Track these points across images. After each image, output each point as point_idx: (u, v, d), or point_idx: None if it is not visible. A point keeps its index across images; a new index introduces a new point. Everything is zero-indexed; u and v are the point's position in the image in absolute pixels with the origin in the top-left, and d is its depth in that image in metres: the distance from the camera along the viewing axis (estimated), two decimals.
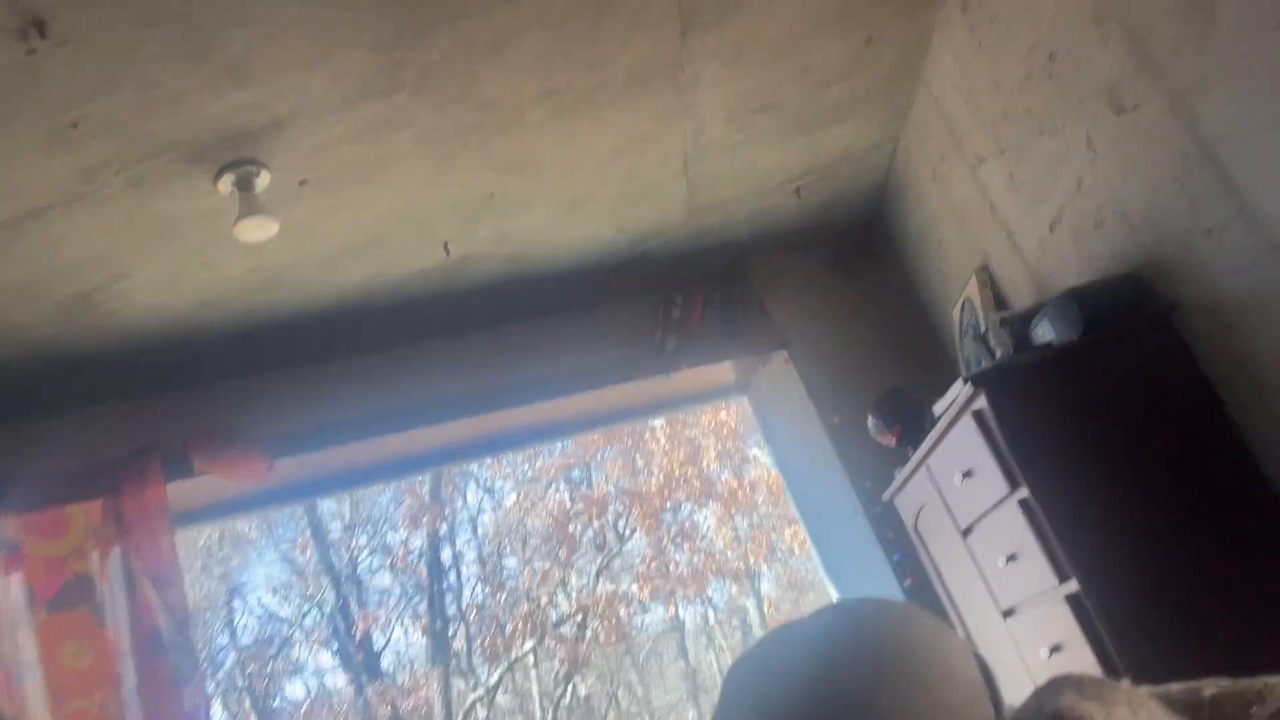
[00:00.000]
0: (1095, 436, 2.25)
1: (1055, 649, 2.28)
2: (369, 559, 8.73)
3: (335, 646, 8.36)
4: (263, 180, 2.41)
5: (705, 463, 8.79)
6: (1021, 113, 2.61)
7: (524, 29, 2.28)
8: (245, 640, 8.41)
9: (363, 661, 8.29)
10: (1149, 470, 2.21)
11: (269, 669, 8.30)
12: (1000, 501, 2.35)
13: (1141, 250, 2.36)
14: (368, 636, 8.40)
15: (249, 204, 2.37)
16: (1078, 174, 2.48)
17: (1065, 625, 2.20)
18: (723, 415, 8.75)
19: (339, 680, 8.46)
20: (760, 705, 0.69)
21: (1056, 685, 0.52)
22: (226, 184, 2.38)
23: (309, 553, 8.38)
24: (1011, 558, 2.39)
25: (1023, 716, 0.51)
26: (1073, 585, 2.15)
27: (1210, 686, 0.82)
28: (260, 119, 2.26)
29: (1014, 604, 2.51)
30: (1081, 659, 2.15)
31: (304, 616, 8.40)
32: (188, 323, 2.93)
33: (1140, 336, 2.33)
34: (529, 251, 3.22)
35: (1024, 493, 2.23)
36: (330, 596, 8.45)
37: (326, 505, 8.46)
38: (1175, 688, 0.85)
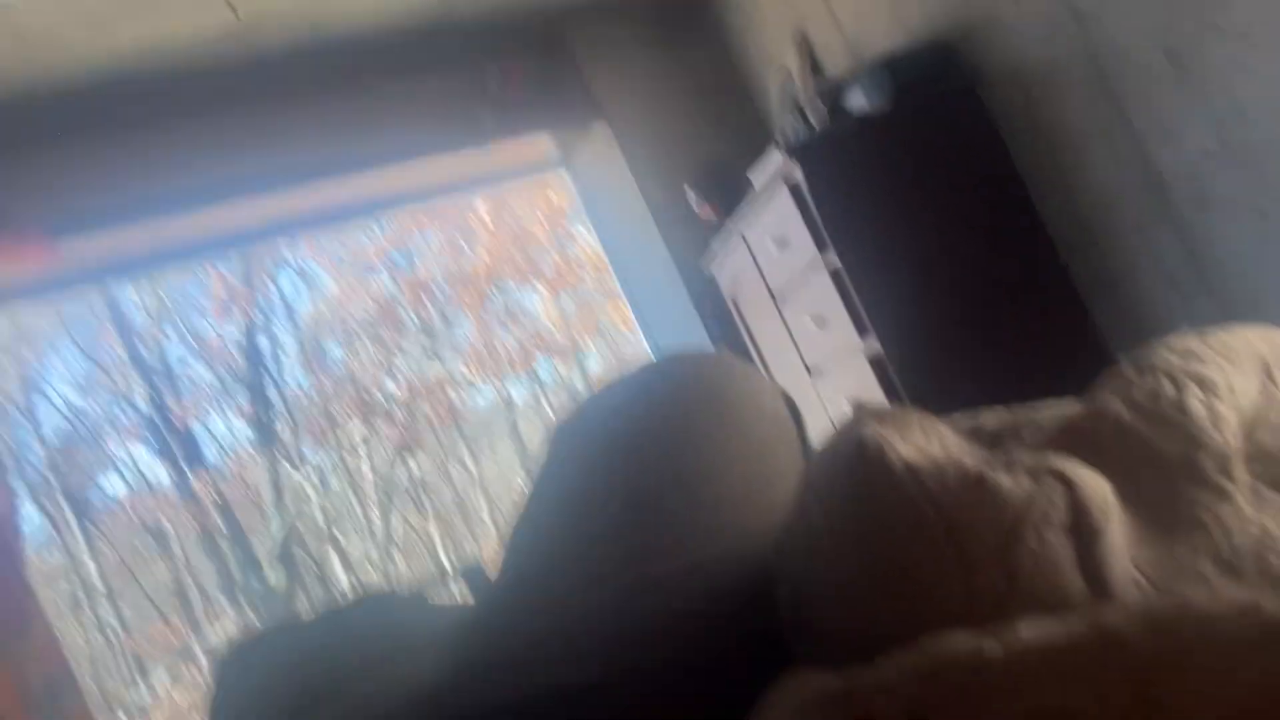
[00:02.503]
0: (901, 204, 2.35)
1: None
2: (180, 350, 8.36)
3: (153, 440, 8.11)
4: None
5: (532, 243, 8.72)
6: None
7: None
8: (53, 439, 8.03)
9: (184, 453, 8.10)
10: (949, 235, 2.35)
11: (81, 464, 8.00)
12: (811, 268, 2.45)
13: (951, 16, 2.39)
14: (187, 428, 8.16)
15: None
16: None
17: (865, 380, 2.37)
18: (549, 193, 8.62)
19: (160, 473, 8.26)
20: (584, 454, 0.71)
21: (857, 417, 0.55)
22: None
23: (114, 345, 7.95)
24: (820, 321, 2.52)
25: (828, 452, 0.54)
26: (873, 343, 2.31)
27: (989, 416, 0.90)
28: None
29: (820, 363, 2.67)
30: None
31: (115, 410, 8.06)
32: None
33: (948, 105, 2.40)
34: (327, 15, 2.95)
35: (832, 259, 2.33)
36: (142, 389, 8.10)
37: (127, 297, 7.97)
38: (958, 417, 0.93)
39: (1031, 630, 0.39)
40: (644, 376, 0.77)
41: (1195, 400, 0.54)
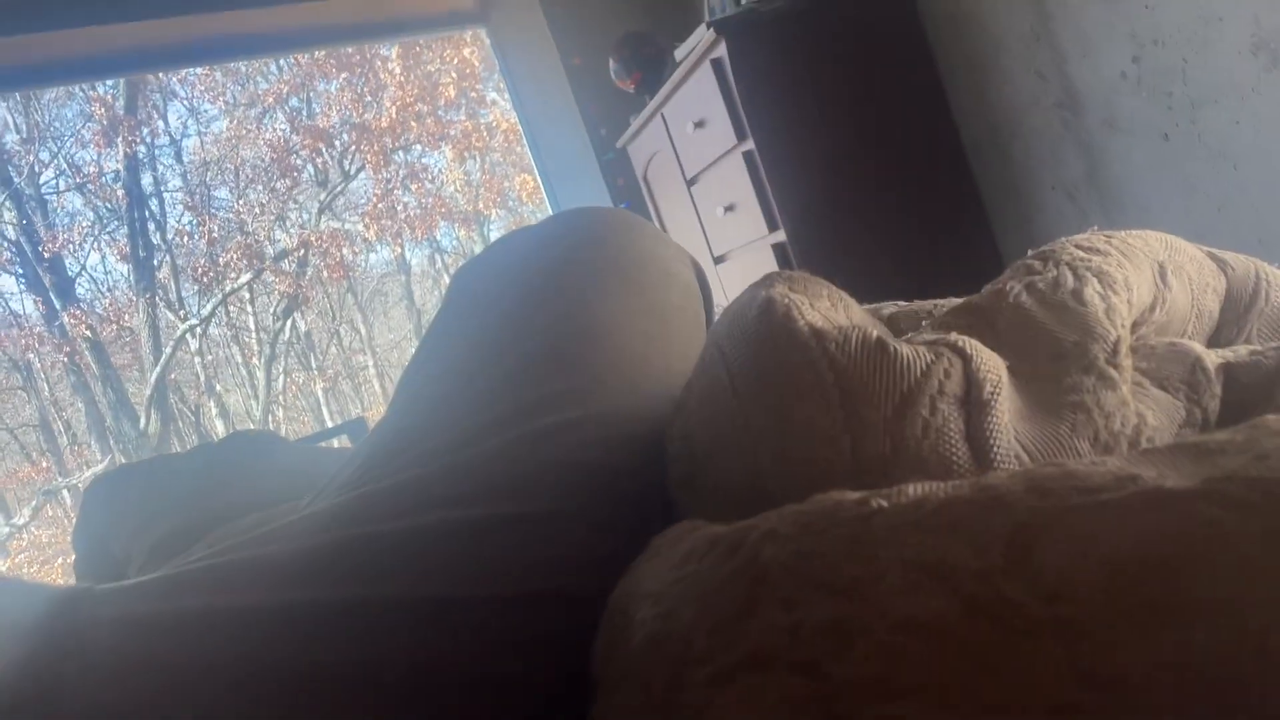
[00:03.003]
0: (821, 94, 2.33)
1: None
2: (54, 178, 7.84)
3: (19, 269, 7.66)
4: None
5: (443, 101, 8.39)
6: None
7: None
8: None
9: (54, 285, 7.68)
10: (864, 130, 2.35)
11: None
12: (727, 153, 2.43)
13: None
14: (59, 259, 7.72)
15: None
16: None
17: (769, 269, 2.38)
18: (465, 52, 8.27)
19: (26, 304, 7.84)
20: (481, 299, 0.69)
21: (768, 279, 0.54)
22: None
23: None
24: (730, 208, 2.51)
25: (734, 308, 0.54)
26: (780, 235, 2.32)
27: (890, 306, 0.92)
28: None
29: (726, 251, 2.68)
30: None
31: None
32: None
33: None
34: None
35: (749, 145, 2.32)
36: (10, 215, 7.61)
37: None
38: (858, 306, 0.94)
39: (917, 489, 0.39)
40: (551, 226, 0.74)
41: (1094, 291, 0.56)
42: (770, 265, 2.38)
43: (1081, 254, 0.59)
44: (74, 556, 1.02)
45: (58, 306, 7.49)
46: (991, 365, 0.49)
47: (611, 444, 0.57)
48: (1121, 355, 0.53)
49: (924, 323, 0.79)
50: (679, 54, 2.59)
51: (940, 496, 0.37)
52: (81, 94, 7.41)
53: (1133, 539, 0.31)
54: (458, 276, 0.76)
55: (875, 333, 0.49)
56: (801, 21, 2.33)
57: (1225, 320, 0.66)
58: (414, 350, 0.72)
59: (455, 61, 8.26)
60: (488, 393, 0.60)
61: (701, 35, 2.36)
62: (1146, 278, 0.60)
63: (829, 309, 0.54)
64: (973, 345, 0.49)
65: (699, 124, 2.51)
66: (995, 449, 0.47)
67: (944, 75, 2.33)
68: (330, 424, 8.51)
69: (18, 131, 7.51)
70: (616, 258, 0.69)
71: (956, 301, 0.89)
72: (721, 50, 2.30)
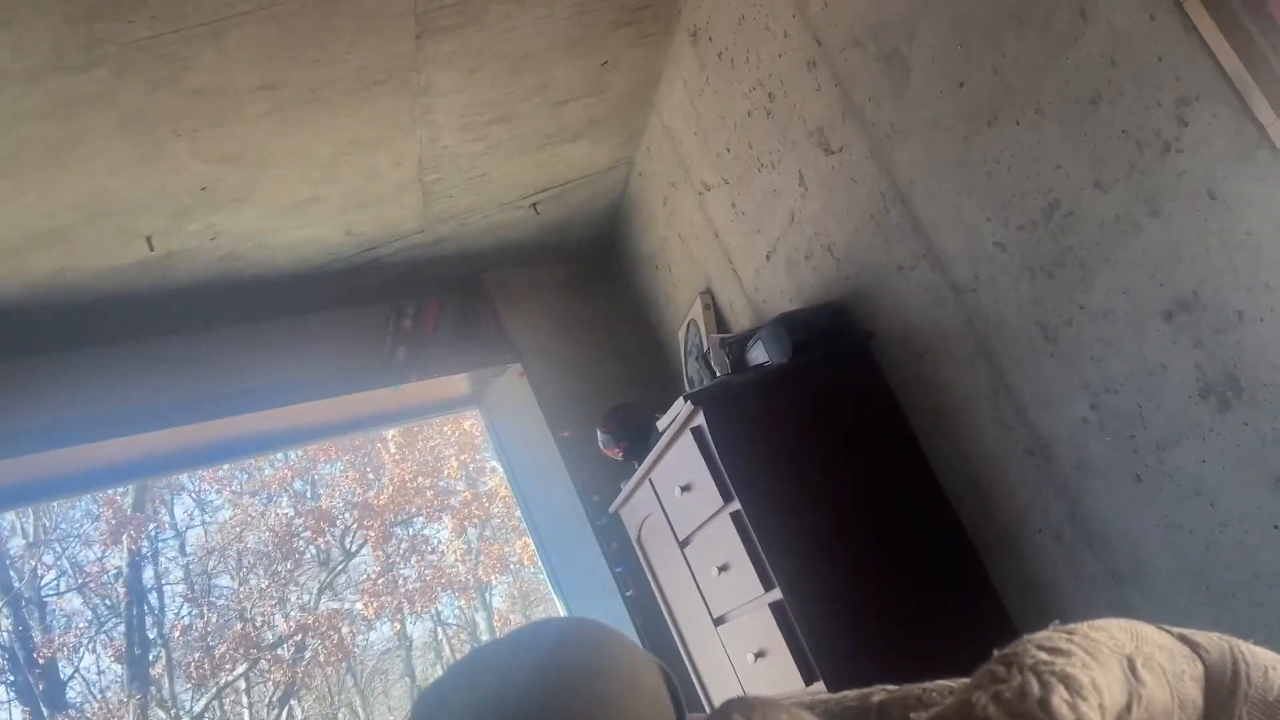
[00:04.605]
0: (800, 453, 2.41)
1: (760, 654, 2.41)
2: (56, 579, 7.83)
3: (10, 677, 7.42)
4: None
5: (446, 473, 8.62)
6: (744, 147, 2.77)
7: (243, 15, 2.14)
8: None
9: (44, 692, 7.41)
10: (846, 485, 2.40)
11: None
12: (715, 514, 2.46)
13: (845, 282, 2.56)
14: (52, 664, 7.52)
15: None
16: (791, 208, 2.65)
17: (769, 631, 2.33)
18: (467, 425, 8.64)
19: (14, 716, 7.52)
20: None
21: (726, 708, 0.53)
22: None
23: None
24: (723, 568, 2.50)
25: None
26: (775, 594, 2.29)
27: (879, 693, 0.89)
28: None
29: (725, 612, 2.63)
30: (783, 662, 2.29)
31: None
32: None
33: (842, 361, 2.52)
34: (246, 251, 3.02)
35: (735, 506, 2.35)
36: (6, 622, 7.50)
37: (4, 519, 7.52)
38: (850, 694, 0.91)
39: None
40: (509, 650, 0.74)
41: (1060, 699, 0.54)
42: (769, 626, 2.32)
43: (1044, 656, 0.59)
44: None
45: (44, 713, 7.17)
46: None
47: None
48: None
49: (913, 714, 0.77)
50: (661, 424, 2.71)
51: None
52: (90, 494, 7.60)
53: None
54: (418, 706, 0.74)
55: None
56: (773, 390, 2.46)
57: (1211, 707, 0.64)
58: None
59: (456, 435, 8.59)
60: None
61: (680, 406, 2.48)
62: (1116, 675, 0.59)
63: None
64: None
65: (686, 487, 2.57)
66: None
67: (918, 432, 2.43)
68: None
69: (24, 536, 7.61)
70: (578, 676, 0.68)
71: (945, 683, 0.87)
72: (700, 419, 2.40)
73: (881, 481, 2.42)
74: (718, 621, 2.69)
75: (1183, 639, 0.68)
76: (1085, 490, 1.94)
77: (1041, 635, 0.62)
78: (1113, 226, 1.71)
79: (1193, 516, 1.72)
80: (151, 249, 2.77)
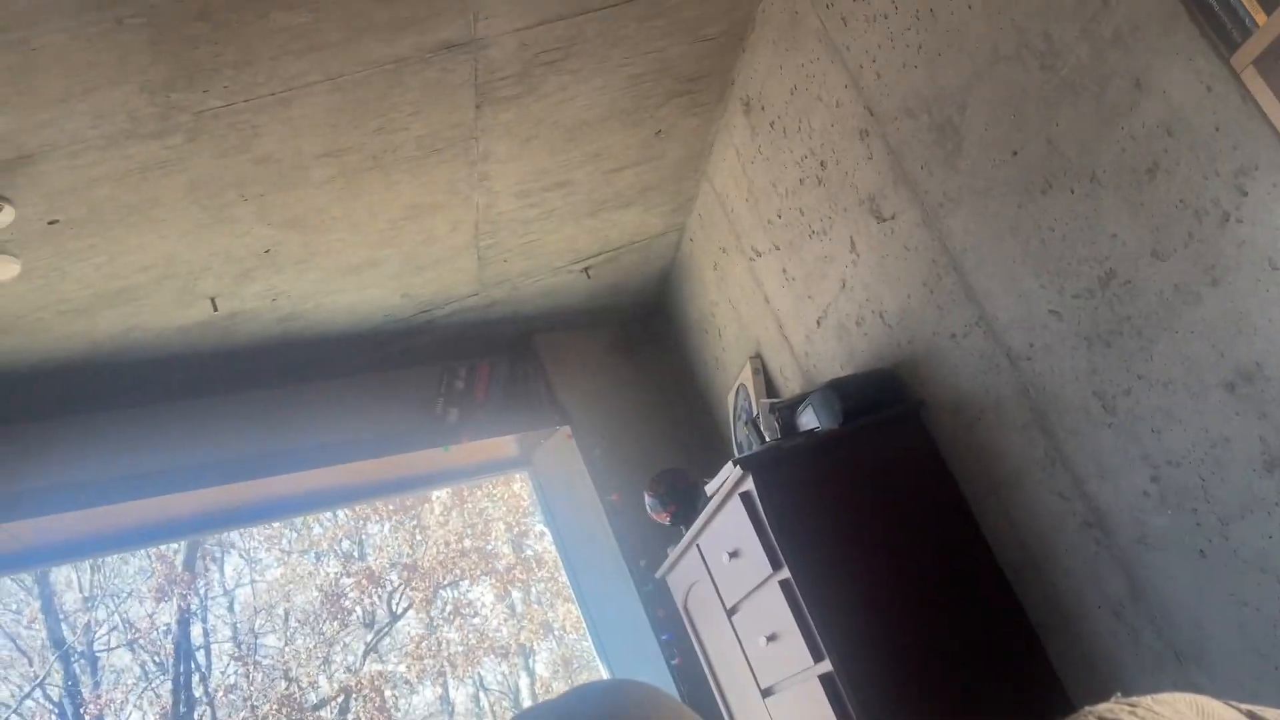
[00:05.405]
0: (851, 521, 2.37)
1: None
2: (107, 634, 7.92)
3: None
4: (5, 216, 2.21)
5: (494, 535, 8.62)
6: (795, 213, 2.79)
7: (312, 86, 2.22)
8: None
9: None
10: (898, 554, 2.35)
11: None
12: (763, 582, 2.42)
13: (896, 348, 2.54)
14: None
15: None
16: (842, 274, 2.66)
17: (819, 705, 2.27)
18: (516, 487, 8.65)
19: None
20: None
21: None
22: None
23: (37, 625, 7.51)
24: (772, 637, 2.46)
25: None
26: (826, 665, 2.24)
27: None
28: (7, 151, 2.07)
29: (774, 683, 2.57)
30: None
31: (24, 698, 7.47)
32: None
33: (893, 428, 2.50)
34: (305, 312, 3.09)
35: (785, 574, 2.32)
36: (58, 676, 7.58)
37: (61, 573, 7.65)
38: None
39: None
40: (559, 710, 0.73)
41: None
42: (819, 699, 2.27)
43: None
44: None
45: None
46: None
47: None
48: None
49: None
50: (709, 489, 2.69)
51: None
52: (144, 550, 7.71)
53: None
54: None
55: None
56: (821, 454, 2.44)
57: None
58: None
59: (505, 497, 8.60)
60: None
61: (729, 471, 2.46)
62: None
63: None
64: None
65: (734, 554, 2.54)
66: None
67: (970, 500, 2.38)
68: None
69: (80, 590, 7.72)
70: None
71: None
72: (749, 484, 2.38)
73: (933, 551, 2.38)
74: (765, 693, 2.64)
75: (1250, 716, 0.65)
76: (1146, 565, 1.88)
77: (1103, 706, 0.60)
78: (1172, 296, 1.69)
79: (1259, 593, 1.66)
80: (215, 309, 2.85)
